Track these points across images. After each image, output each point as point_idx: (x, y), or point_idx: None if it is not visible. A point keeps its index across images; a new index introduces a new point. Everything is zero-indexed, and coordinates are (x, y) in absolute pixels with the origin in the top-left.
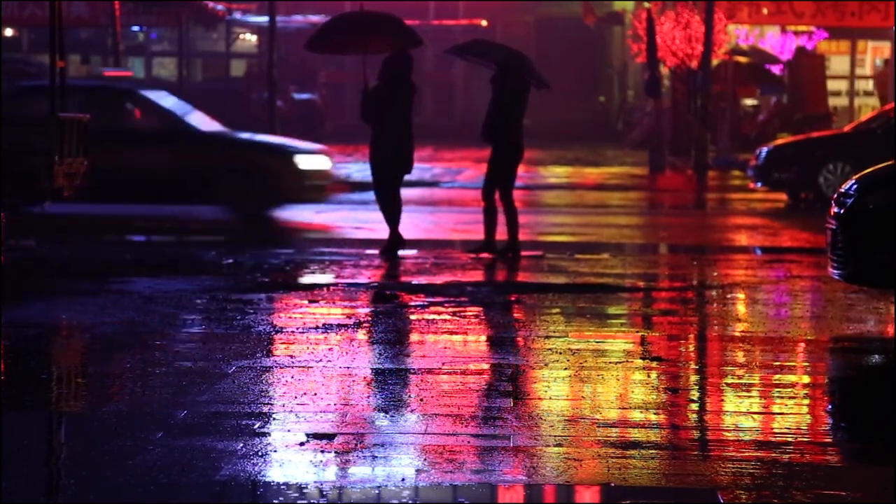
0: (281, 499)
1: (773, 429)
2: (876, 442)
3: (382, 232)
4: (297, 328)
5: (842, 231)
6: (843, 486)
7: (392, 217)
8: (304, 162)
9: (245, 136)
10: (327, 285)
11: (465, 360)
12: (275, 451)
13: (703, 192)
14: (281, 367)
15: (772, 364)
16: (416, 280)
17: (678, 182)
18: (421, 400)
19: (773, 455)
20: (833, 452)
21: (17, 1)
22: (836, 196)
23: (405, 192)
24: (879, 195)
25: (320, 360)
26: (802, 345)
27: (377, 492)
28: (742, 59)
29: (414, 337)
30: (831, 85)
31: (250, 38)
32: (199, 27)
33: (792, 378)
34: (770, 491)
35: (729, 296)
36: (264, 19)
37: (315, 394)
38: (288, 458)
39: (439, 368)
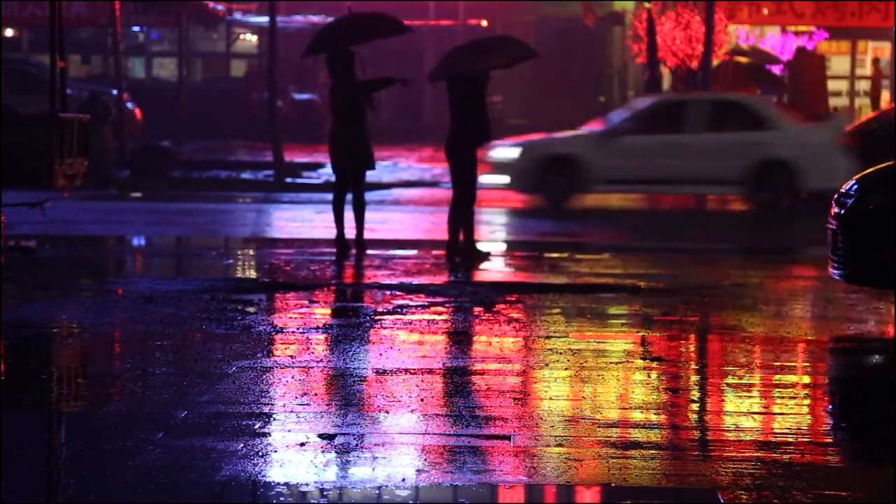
0: (281, 499)
1: (773, 429)
2: (876, 442)
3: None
4: (297, 328)
5: (842, 231)
6: (843, 486)
7: (337, 216)
8: None
9: None
10: (327, 285)
11: (465, 359)
12: (275, 451)
13: None
14: (281, 368)
15: (772, 364)
16: (416, 280)
17: None
18: (421, 400)
19: (774, 455)
20: (833, 452)
21: (17, 1)
22: (836, 196)
23: (405, 192)
24: (879, 195)
25: (320, 360)
26: (802, 345)
27: (377, 492)
28: (742, 60)
29: (414, 337)
30: (831, 85)
31: (250, 39)
32: (199, 27)
33: (792, 378)
34: (770, 491)
35: (729, 296)
36: (264, 19)
37: (315, 394)
38: (288, 459)
39: (439, 368)
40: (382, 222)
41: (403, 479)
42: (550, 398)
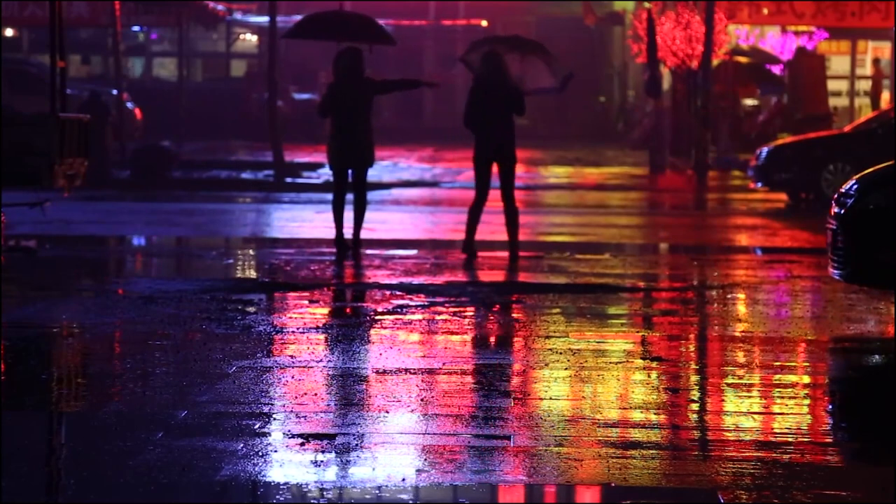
0: (281, 499)
1: (773, 429)
2: (876, 442)
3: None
4: (297, 328)
5: (842, 231)
6: (843, 486)
7: (337, 216)
8: None
9: None
10: (327, 285)
11: (465, 360)
12: (275, 451)
13: (703, 193)
14: (281, 367)
15: (772, 364)
16: (417, 280)
17: (678, 182)
18: (421, 400)
19: (774, 455)
20: (833, 452)
21: (17, 1)
22: (836, 196)
23: (405, 192)
24: (879, 195)
25: (320, 360)
26: (803, 345)
27: (377, 492)
28: (742, 60)
29: (414, 337)
30: (831, 85)
31: (250, 39)
32: (200, 27)
33: (792, 378)
34: (770, 491)
35: (729, 296)
36: (264, 19)
37: (315, 394)
38: (288, 458)
39: (439, 368)
40: (382, 222)
41: (403, 479)
42: (550, 398)
